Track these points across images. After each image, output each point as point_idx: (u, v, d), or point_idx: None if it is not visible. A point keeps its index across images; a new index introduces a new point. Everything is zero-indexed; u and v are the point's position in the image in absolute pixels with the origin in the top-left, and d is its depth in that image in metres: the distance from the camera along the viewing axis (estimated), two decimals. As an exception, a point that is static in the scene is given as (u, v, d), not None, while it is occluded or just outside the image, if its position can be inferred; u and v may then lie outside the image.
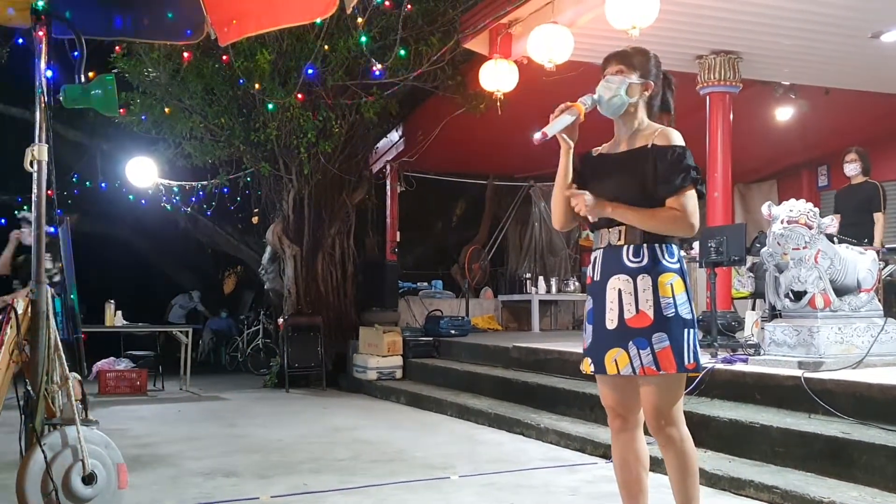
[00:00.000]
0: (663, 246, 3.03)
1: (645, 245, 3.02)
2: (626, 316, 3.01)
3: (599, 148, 3.30)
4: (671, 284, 2.99)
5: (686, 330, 2.99)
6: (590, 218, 3.11)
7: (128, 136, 12.18)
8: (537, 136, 3.06)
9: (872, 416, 4.65)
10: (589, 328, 3.17)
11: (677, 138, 3.07)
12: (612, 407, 3.19)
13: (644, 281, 3.00)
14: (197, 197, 12.12)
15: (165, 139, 11.12)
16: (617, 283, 3.05)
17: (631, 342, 2.99)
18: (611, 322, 3.05)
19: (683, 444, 3.07)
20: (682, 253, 3.13)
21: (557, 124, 3.07)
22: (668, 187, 2.99)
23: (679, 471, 3.09)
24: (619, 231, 3.08)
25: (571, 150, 3.18)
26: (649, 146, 3.07)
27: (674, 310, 2.97)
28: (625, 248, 3.05)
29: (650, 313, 2.97)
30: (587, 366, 3.16)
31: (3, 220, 14.56)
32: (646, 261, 3.02)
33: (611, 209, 3.03)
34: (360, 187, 11.96)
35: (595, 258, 3.18)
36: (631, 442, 3.20)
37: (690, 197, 2.99)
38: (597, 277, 3.14)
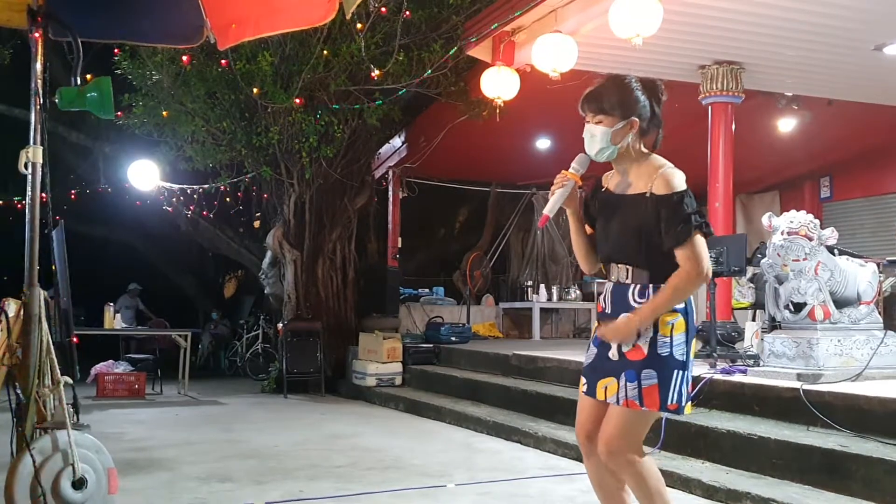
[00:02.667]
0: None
1: (651, 286, 3.02)
2: (625, 349, 3.02)
3: (608, 175, 3.26)
4: (672, 324, 2.99)
5: (676, 371, 2.98)
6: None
7: (130, 139, 12.18)
8: (540, 221, 3.26)
9: (871, 430, 4.62)
10: (592, 350, 3.18)
11: (677, 182, 2.99)
12: (580, 425, 3.21)
13: None
14: (198, 200, 12.12)
15: (167, 142, 11.12)
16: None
17: (623, 373, 3.01)
18: (613, 354, 3.05)
19: (640, 468, 3.04)
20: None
21: (555, 201, 3.16)
22: (672, 239, 2.96)
23: (643, 493, 3.07)
24: (627, 270, 3.09)
25: (577, 211, 3.25)
26: (648, 195, 3.02)
27: (668, 349, 2.98)
28: (632, 287, 3.07)
29: (645, 349, 2.98)
30: (582, 385, 3.20)
31: None
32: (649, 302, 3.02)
33: (638, 321, 2.98)
34: (361, 193, 11.95)
35: (606, 289, 3.19)
36: (601, 464, 3.17)
37: (696, 244, 2.94)
38: (608, 310, 3.14)
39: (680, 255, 2.95)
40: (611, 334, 3.04)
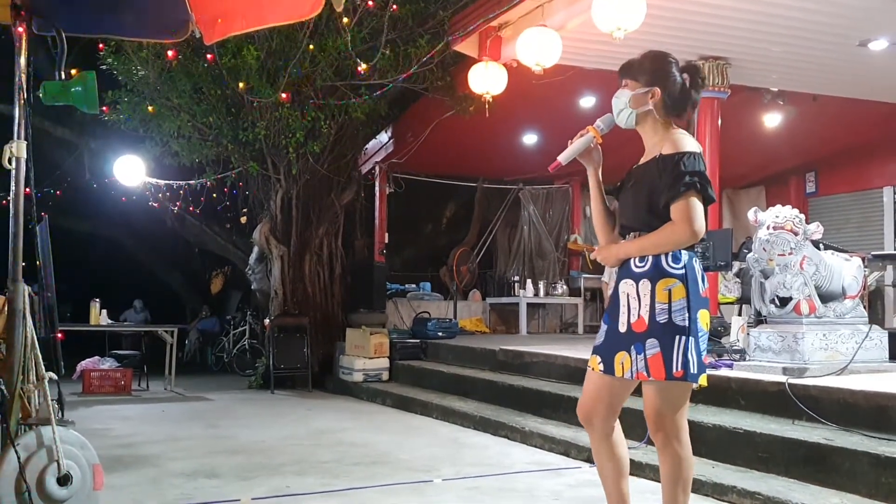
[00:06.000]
0: (668, 252, 3.05)
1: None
2: (631, 320, 3.08)
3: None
4: (669, 290, 3.00)
5: (678, 337, 2.97)
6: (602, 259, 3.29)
7: (116, 134, 12.12)
8: (551, 165, 3.28)
9: (856, 423, 4.65)
10: (603, 328, 3.23)
11: (686, 144, 3.06)
12: (581, 403, 3.25)
13: (644, 286, 3.06)
14: (184, 196, 12.07)
15: (153, 138, 11.06)
16: (625, 287, 3.14)
17: (632, 346, 3.06)
18: (622, 325, 3.13)
19: (680, 452, 3.08)
20: (696, 261, 3.09)
21: (570, 150, 3.25)
22: (666, 196, 3.02)
23: (672, 478, 3.10)
24: (633, 237, 3.17)
25: (597, 171, 3.34)
26: (657, 157, 3.10)
27: (667, 316, 2.99)
28: None
29: (646, 318, 3.03)
30: (595, 363, 3.21)
31: None
32: (648, 266, 3.07)
33: (621, 250, 3.17)
34: (348, 188, 11.94)
35: (614, 268, 3.29)
36: (602, 445, 3.23)
37: (689, 203, 2.98)
38: (615, 281, 3.23)
39: (672, 210, 3.01)
40: (598, 254, 3.24)
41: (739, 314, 7.89)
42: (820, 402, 4.92)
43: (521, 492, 4.90)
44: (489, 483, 5.13)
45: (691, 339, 2.97)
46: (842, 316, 5.76)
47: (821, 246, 6.01)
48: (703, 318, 3.04)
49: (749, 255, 6.02)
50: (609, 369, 3.13)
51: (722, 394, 5.62)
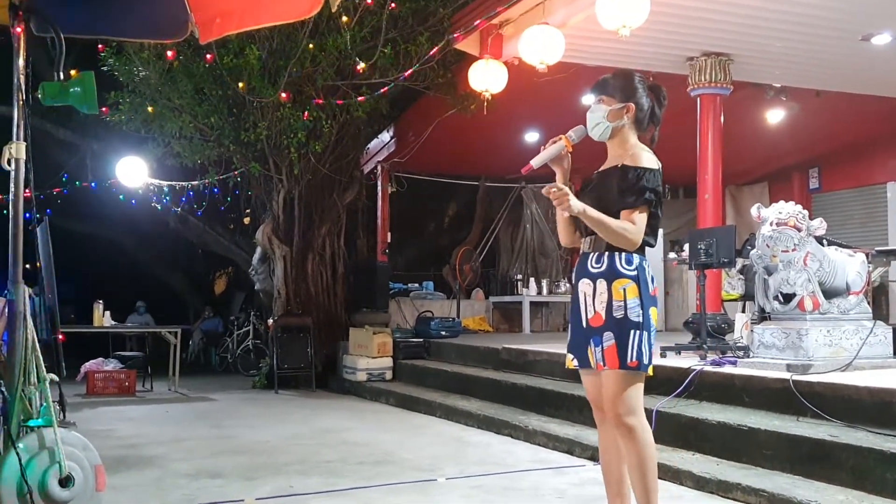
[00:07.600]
0: (622, 255, 3.30)
1: (606, 253, 3.32)
2: (589, 316, 3.35)
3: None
4: (624, 289, 3.27)
5: (633, 331, 3.24)
6: (564, 214, 3.39)
7: (118, 136, 12.12)
8: (523, 168, 3.49)
9: (860, 419, 4.63)
10: (570, 329, 3.49)
11: (646, 160, 3.29)
12: (590, 398, 3.51)
13: (601, 285, 3.31)
14: (187, 197, 12.07)
15: (155, 139, 11.06)
16: (583, 286, 3.39)
17: (591, 339, 3.33)
18: (583, 322, 3.38)
19: (640, 435, 3.26)
20: (646, 264, 3.35)
21: (542, 156, 3.45)
22: (622, 203, 3.27)
23: (635, 461, 3.27)
24: (590, 240, 3.40)
25: (565, 177, 3.46)
26: (619, 166, 3.32)
27: (623, 312, 3.26)
28: (591, 255, 3.38)
29: (603, 314, 3.29)
30: (569, 361, 3.51)
31: None
32: (604, 267, 3.32)
33: (574, 200, 3.23)
34: (350, 188, 11.92)
35: (577, 263, 3.51)
36: (611, 431, 3.41)
37: (640, 216, 3.25)
38: (574, 280, 3.46)
39: (623, 214, 3.27)
40: (550, 188, 3.22)
41: (743, 311, 7.87)
42: (824, 399, 4.90)
43: (524, 490, 4.90)
44: (493, 482, 5.13)
45: (645, 333, 3.27)
46: (846, 312, 5.74)
47: (824, 242, 6.00)
48: (654, 315, 3.33)
49: (752, 252, 6.01)
50: (584, 363, 3.40)
51: (726, 391, 5.61)
